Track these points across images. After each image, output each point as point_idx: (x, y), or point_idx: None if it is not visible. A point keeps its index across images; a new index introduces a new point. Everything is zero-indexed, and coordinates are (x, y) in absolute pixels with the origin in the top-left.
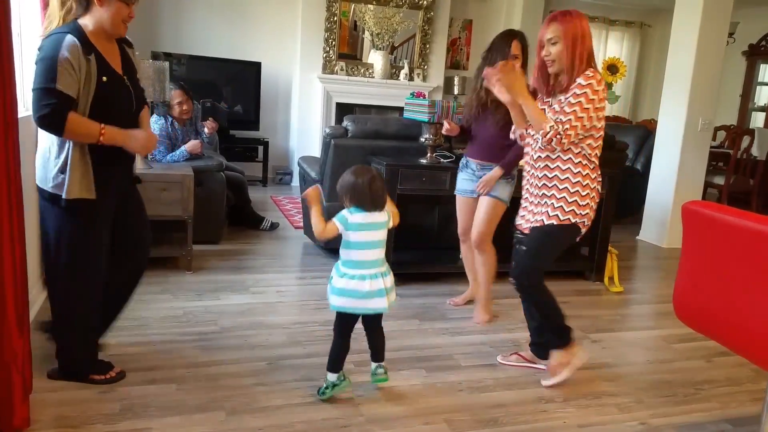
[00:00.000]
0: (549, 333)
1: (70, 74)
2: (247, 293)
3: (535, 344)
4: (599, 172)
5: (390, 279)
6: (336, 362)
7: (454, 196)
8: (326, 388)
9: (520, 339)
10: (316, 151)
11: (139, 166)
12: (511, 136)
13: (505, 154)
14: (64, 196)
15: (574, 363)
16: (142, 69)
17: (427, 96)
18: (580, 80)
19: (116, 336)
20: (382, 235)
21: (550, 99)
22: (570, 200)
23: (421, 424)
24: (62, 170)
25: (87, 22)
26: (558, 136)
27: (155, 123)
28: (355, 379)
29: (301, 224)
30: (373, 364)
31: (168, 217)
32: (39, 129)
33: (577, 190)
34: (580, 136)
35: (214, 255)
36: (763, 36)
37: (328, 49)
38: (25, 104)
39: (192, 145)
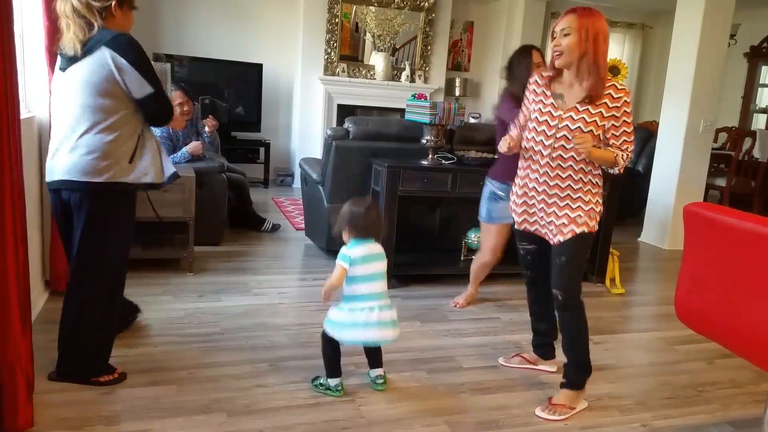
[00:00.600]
0: (569, 366)
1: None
2: (249, 295)
3: (539, 345)
4: (600, 177)
5: (395, 312)
6: (333, 368)
7: (455, 197)
8: (321, 384)
9: (521, 341)
10: (317, 152)
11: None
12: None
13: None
14: (148, 181)
15: (576, 409)
16: None
17: (428, 98)
18: (624, 96)
19: (117, 337)
20: (383, 266)
21: (551, 100)
22: (586, 209)
23: (422, 425)
24: (131, 160)
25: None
26: (626, 159)
27: None
28: (355, 380)
29: (302, 226)
30: (372, 373)
31: (169, 219)
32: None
33: (590, 200)
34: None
35: (216, 256)
36: (765, 38)
37: (329, 50)
38: (27, 105)
39: (193, 146)
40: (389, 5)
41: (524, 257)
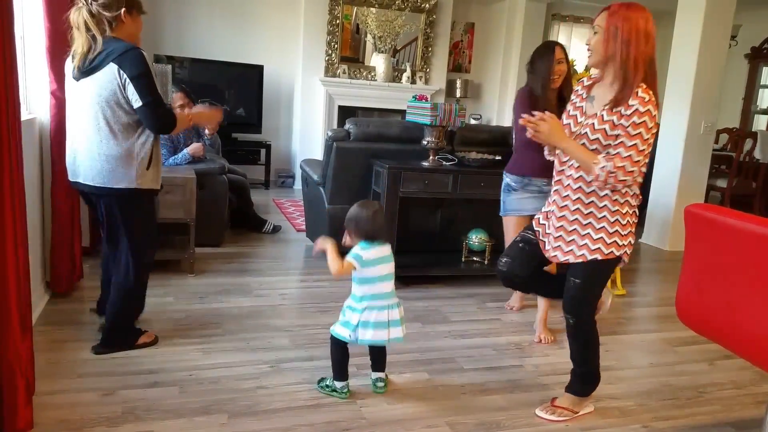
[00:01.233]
0: (576, 375)
1: (156, 81)
2: (250, 296)
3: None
4: (639, 197)
5: (402, 309)
6: (341, 371)
7: (456, 198)
8: (327, 386)
9: (522, 342)
10: (318, 154)
11: None
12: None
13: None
14: (156, 187)
15: (579, 413)
16: None
17: (429, 99)
18: (637, 106)
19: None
20: (392, 267)
21: (584, 103)
22: (611, 231)
23: (423, 427)
24: (148, 167)
25: (118, 37)
26: (612, 175)
27: None
28: (356, 382)
29: (303, 227)
30: (374, 375)
31: (170, 220)
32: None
33: (617, 219)
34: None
35: (217, 258)
36: (766, 39)
37: (330, 52)
38: (28, 107)
39: (194, 148)
40: (390, 7)
41: (516, 243)
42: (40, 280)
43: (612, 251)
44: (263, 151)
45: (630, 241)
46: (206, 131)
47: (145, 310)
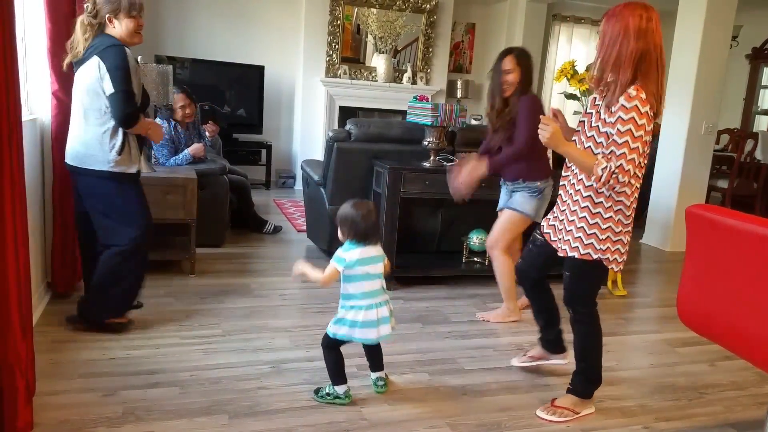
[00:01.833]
0: (578, 375)
1: (134, 79)
2: (250, 296)
3: (544, 340)
4: (628, 209)
5: (390, 306)
6: (339, 374)
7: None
8: (328, 394)
9: (523, 342)
10: (319, 154)
11: (143, 170)
12: None
13: (523, 167)
14: (131, 171)
15: (581, 414)
16: (145, 73)
17: (430, 99)
18: (623, 101)
19: (118, 339)
20: (381, 268)
21: (599, 105)
22: (589, 232)
23: (424, 428)
24: (120, 152)
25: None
26: (614, 176)
27: None
28: (357, 382)
29: (304, 227)
30: (374, 375)
31: (171, 221)
32: (82, 121)
33: (597, 222)
34: (641, 167)
35: (217, 258)
36: (767, 39)
37: (331, 52)
38: (29, 108)
39: (195, 148)
40: (391, 7)
41: (528, 246)
42: (40, 280)
43: (589, 253)
44: (264, 152)
45: (611, 248)
46: (206, 133)
47: (145, 310)
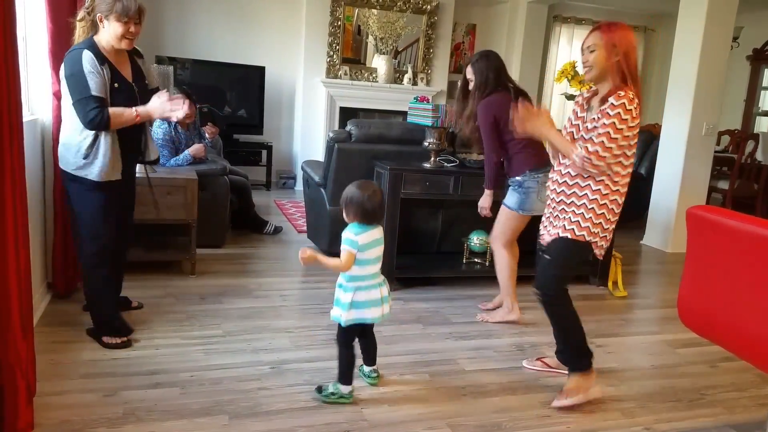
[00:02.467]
0: (568, 352)
1: (97, 79)
2: (251, 297)
3: (561, 352)
4: (622, 197)
5: (388, 287)
6: (348, 374)
7: (457, 200)
8: (332, 394)
9: (524, 343)
10: (319, 155)
11: (143, 171)
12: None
13: (507, 165)
14: (94, 179)
15: (591, 392)
16: (152, 76)
17: (430, 100)
18: (611, 100)
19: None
20: (382, 250)
21: (585, 113)
22: (587, 216)
23: (424, 428)
24: (85, 156)
25: (100, 38)
26: (587, 160)
27: (158, 127)
28: (357, 383)
29: (305, 228)
30: (367, 368)
31: (172, 221)
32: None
33: (593, 208)
34: (614, 161)
35: (218, 259)
36: None
37: (331, 53)
38: (30, 108)
39: (196, 149)
40: (391, 8)
41: (537, 259)
42: (41, 281)
43: (583, 234)
44: (264, 153)
45: (601, 234)
46: (206, 134)
47: (146, 310)
